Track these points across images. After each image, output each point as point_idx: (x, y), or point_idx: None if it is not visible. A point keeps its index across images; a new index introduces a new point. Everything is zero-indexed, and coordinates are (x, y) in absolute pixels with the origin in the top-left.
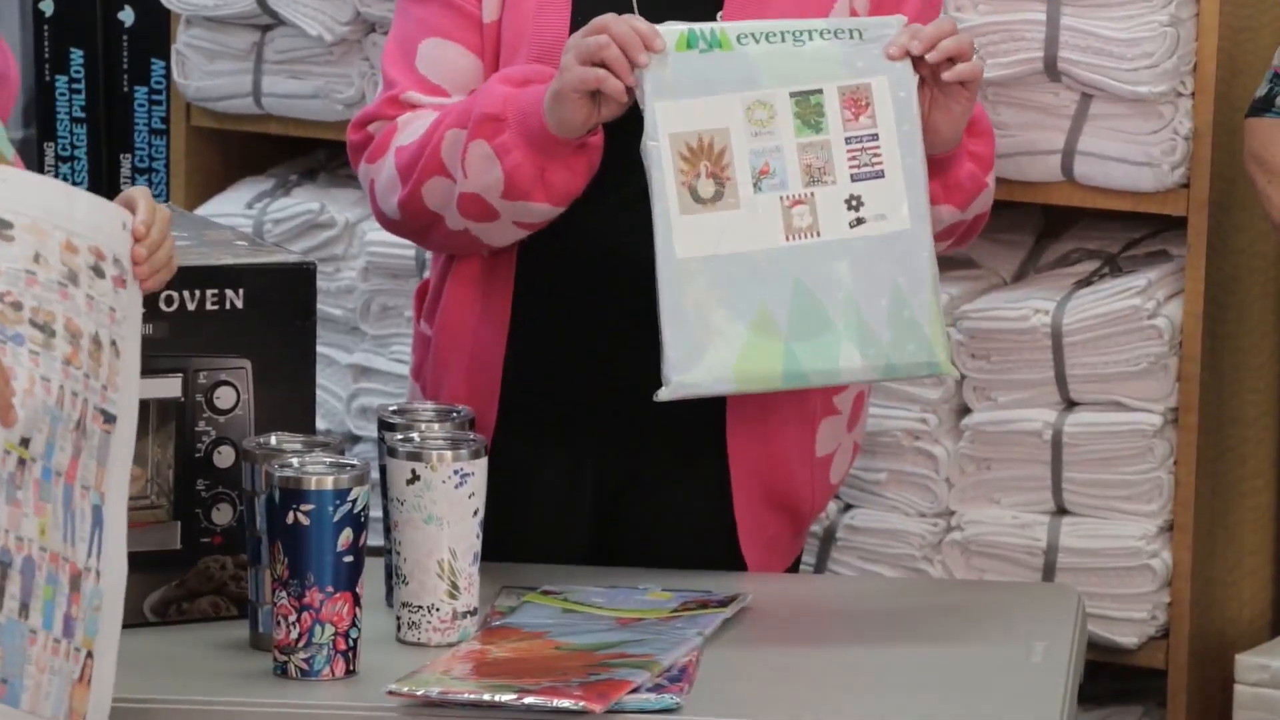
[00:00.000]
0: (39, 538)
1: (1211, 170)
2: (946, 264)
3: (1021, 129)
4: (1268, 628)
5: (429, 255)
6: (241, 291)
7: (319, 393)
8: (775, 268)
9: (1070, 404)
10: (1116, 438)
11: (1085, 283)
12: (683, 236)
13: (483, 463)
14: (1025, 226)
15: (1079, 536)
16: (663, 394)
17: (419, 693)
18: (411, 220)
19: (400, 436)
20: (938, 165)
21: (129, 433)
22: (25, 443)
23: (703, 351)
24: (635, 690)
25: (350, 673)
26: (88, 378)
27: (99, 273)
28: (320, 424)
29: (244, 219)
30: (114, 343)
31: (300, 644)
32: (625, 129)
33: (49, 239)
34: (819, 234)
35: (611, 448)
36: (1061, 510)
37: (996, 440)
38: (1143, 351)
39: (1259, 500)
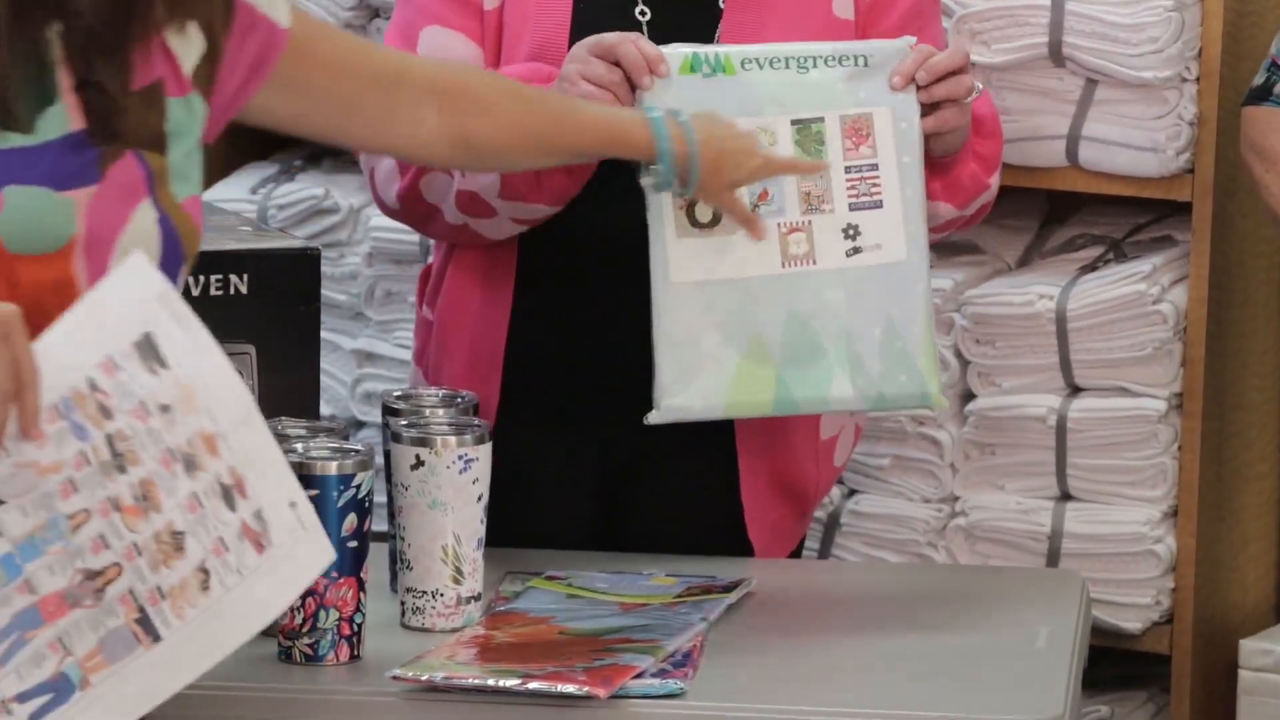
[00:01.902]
0: None
1: (1216, 155)
2: (951, 249)
3: (1026, 114)
4: (1272, 612)
5: (432, 241)
6: (246, 277)
7: (323, 378)
8: (770, 295)
9: (1075, 389)
10: (1121, 423)
11: (1090, 268)
12: (678, 261)
13: (487, 448)
14: (1030, 212)
15: (1083, 522)
16: (652, 417)
17: (423, 678)
18: (411, 211)
19: (404, 422)
20: (940, 165)
21: (170, 678)
22: None
23: (694, 377)
24: (640, 675)
25: (355, 658)
26: (136, 552)
27: (228, 499)
28: (324, 409)
29: (248, 204)
30: (206, 573)
31: (305, 629)
32: None
33: (193, 414)
34: (815, 262)
35: (615, 431)
36: (1066, 496)
37: (1001, 426)
38: (1147, 337)
39: (1263, 485)
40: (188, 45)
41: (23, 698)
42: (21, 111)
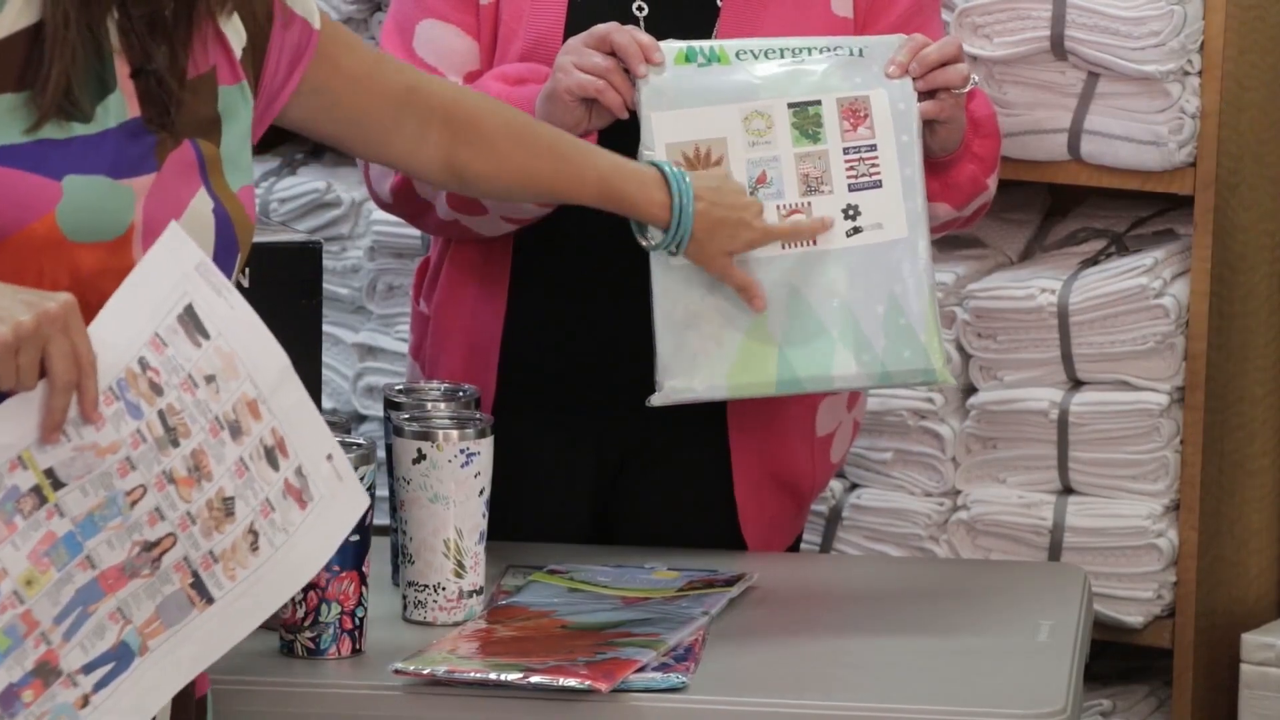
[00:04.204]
0: (20, 585)
1: (1218, 149)
2: (953, 243)
3: (1028, 108)
4: (1274, 607)
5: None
6: (247, 270)
7: (325, 372)
8: (770, 276)
9: (1076, 383)
10: (1123, 417)
11: (1092, 262)
12: None
13: (488, 442)
14: (1032, 205)
15: (1085, 516)
16: (655, 400)
17: (425, 671)
18: (403, 206)
19: (406, 415)
20: (938, 166)
21: (223, 637)
22: (55, 482)
23: (696, 358)
24: (641, 669)
25: (356, 651)
26: (190, 521)
27: (271, 460)
28: (326, 403)
29: None
30: (255, 534)
31: (307, 622)
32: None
33: (235, 380)
34: (815, 242)
35: (610, 426)
36: (1068, 489)
37: (1003, 419)
38: (1149, 330)
39: (1265, 479)
40: (235, 33)
41: (87, 669)
42: (83, 101)
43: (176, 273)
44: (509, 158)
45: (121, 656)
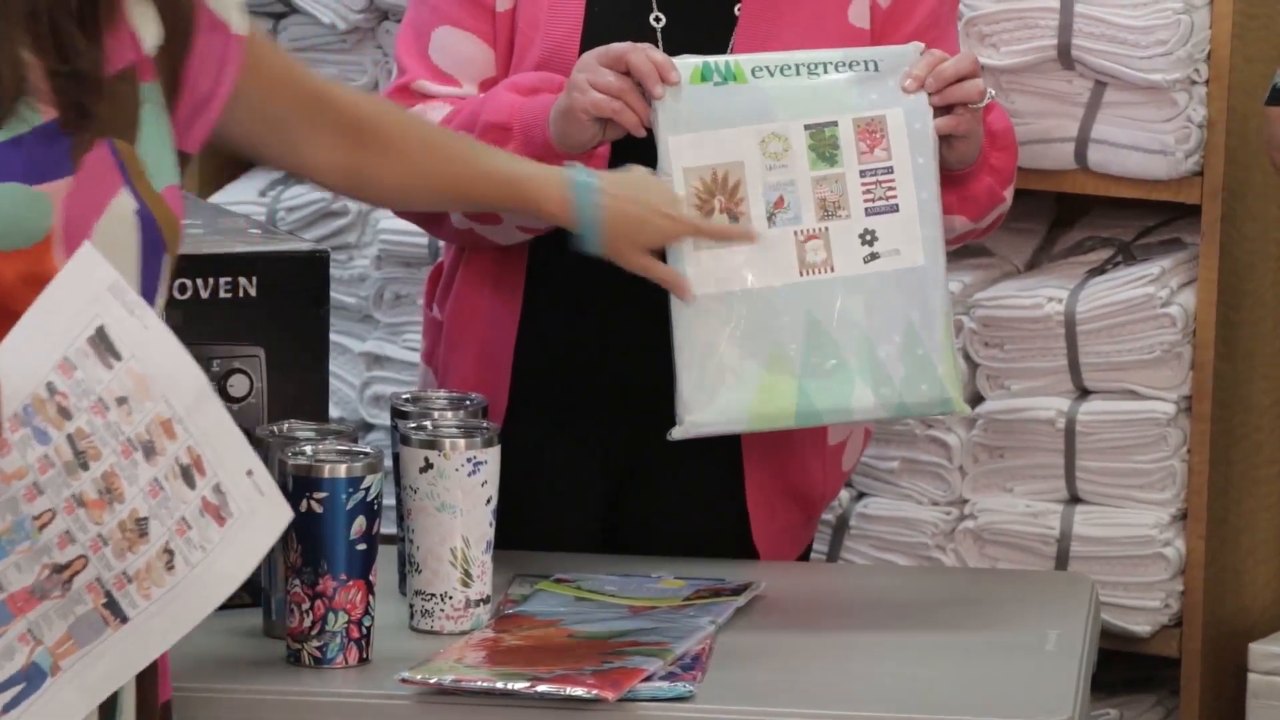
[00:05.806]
0: None
1: (1225, 158)
2: (959, 252)
3: (1035, 116)
4: None
5: (442, 242)
6: (255, 279)
7: (332, 381)
8: (789, 304)
9: (1083, 392)
10: (1130, 426)
11: (1098, 271)
12: (696, 273)
13: (495, 451)
14: (1038, 214)
15: (1092, 525)
16: (675, 433)
17: (432, 680)
18: (419, 213)
19: (413, 424)
20: (955, 179)
21: (137, 655)
22: None
23: (716, 391)
24: (648, 678)
25: (363, 661)
26: (102, 542)
27: (187, 479)
28: (333, 412)
29: (257, 207)
30: (171, 553)
31: (313, 632)
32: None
33: (148, 401)
34: (833, 269)
35: (621, 435)
36: (1075, 499)
37: (1010, 428)
38: (1156, 339)
39: (1273, 488)
40: (146, 29)
41: None
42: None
43: (87, 294)
44: (412, 166)
45: (32, 677)
